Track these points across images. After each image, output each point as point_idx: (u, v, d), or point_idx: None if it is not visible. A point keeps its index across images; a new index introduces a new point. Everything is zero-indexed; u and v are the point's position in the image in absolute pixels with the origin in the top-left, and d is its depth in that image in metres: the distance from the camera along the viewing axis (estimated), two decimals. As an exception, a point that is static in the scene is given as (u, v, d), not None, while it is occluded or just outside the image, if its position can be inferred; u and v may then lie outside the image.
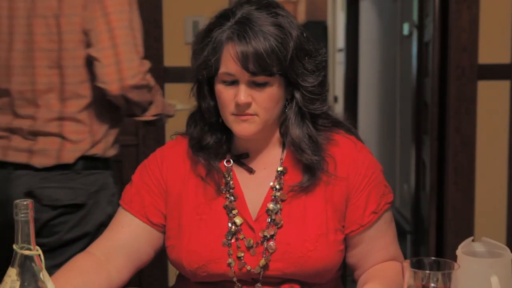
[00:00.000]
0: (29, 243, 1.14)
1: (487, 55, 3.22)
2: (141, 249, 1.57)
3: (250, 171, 1.57)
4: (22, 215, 1.14)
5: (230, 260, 1.51)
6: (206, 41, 1.49)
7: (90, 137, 2.10)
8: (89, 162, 2.12)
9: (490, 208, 3.29)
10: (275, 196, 1.54)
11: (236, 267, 1.51)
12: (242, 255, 1.51)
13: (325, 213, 1.53)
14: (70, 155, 2.09)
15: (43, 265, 1.16)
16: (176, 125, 1.74)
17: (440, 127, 3.48)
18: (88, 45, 2.03)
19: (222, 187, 1.55)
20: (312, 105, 1.53)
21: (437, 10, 3.48)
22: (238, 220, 1.52)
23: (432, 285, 1.24)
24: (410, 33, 4.81)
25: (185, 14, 3.18)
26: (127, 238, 1.56)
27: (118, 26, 2.04)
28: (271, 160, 1.58)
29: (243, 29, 1.45)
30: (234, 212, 1.53)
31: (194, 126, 1.59)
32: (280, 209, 1.53)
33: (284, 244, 1.51)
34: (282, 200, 1.54)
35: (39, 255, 1.16)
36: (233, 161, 1.58)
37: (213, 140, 1.56)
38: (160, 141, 3.16)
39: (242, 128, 1.50)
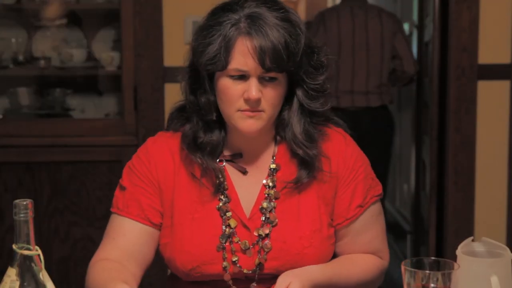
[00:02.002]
0: (28, 243, 1.14)
1: (487, 55, 3.21)
2: (147, 253, 1.54)
3: (243, 171, 1.55)
4: (22, 215, 1.14)
5: (225, 264, 1.50)
6: (213, 36, 1.44)
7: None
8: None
9: (490, 208, 3.28)
10: (268, 194, 1.53)
11: (231, 270, 1.50)
12: (237, 259, 1.50)
13: (318, 209, 1.53)
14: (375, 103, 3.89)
15: (42, 265, 1.16)
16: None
17: (440, 127, 3.47)
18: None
19: (216, 187, 1.52)
20: (314, 103, 1.52)
21: (437, 10, 3.48)
22: (232, 223, 1.50)
23: (432, 285, 1.24)
24: (410, 33, 4.81)
25: (185, 14, 3.17)
26: (133, 245, 1.53)
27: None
28: (264, 158, 1.56)
29: (258, 24, 1.41)
30: (228, 214, 1.51)
31: (181, 123, 1.55)
32: (274, 207, 1.52)
33: (280, 242, 1.50)
34: (276, 198, 1.52)
35: (39, 255, 1.16)
36: (226, 161, 1.55)
37: (208, 138, 1.51)
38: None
39: (249, 125, 1.47)
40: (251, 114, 1.46)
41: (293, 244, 1.50)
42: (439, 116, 3.48)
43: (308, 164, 1.52)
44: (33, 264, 1.15)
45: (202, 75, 1.48)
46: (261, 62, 1.41)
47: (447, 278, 1.24)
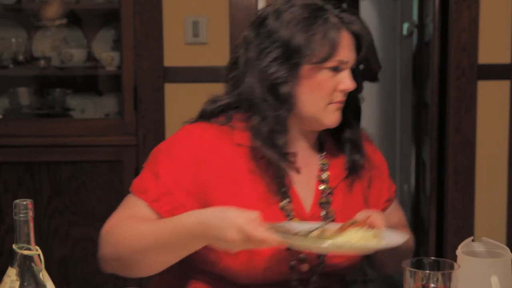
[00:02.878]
0: (28, 243, 1.14)
1: (487, 55, 3.21)
2: None
3: (297, 170, 1.53)
4: (22, 215, 1.14)
5: (292, 263, 1.49)
6: (317, 28, 1.44)
7: None
8: None
9: (490, 208, 3.28)
10: (324, 189, 1.55)
11: (298, 268, 1.49)
12: (304, 255, 1.49)
13: (364, 199, 1.60)
14: None
15: (42, 265, 1.16)
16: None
17: (440, 127, 3.47)
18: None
19: (278, 186, 1.50)
20: (359, 97, 1.58)
21: (437, 10, 3.48)
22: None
23: (432, 285, 1.24)
24: (410, 33, 4.81)
25: (185, 14, 3.17)
26: None
27: None
28: (312, 155, 1.58)
29: (355, 18, 1.48)
30: (292, 213, 1.50)
31: (228, 118, 1.51)
32: (331, 202, 1.55)
33: None
34: (330, 194, 1.55)
35: (39, 255, 1.16)
36: None
37: (281, 135, 1.48)
38: (159, 141, 3.16)
39: (337, 117, 1.51)
40: (340, 105, 1.50)
41: None
42: (439, 116, 3.48)
43: (357, 147, 1.57)
44: (33, 264, 1.15)
45: (295, 68, 1.45)
46: (371, 54, 1.49)
47: (447, 278, 1.24)
